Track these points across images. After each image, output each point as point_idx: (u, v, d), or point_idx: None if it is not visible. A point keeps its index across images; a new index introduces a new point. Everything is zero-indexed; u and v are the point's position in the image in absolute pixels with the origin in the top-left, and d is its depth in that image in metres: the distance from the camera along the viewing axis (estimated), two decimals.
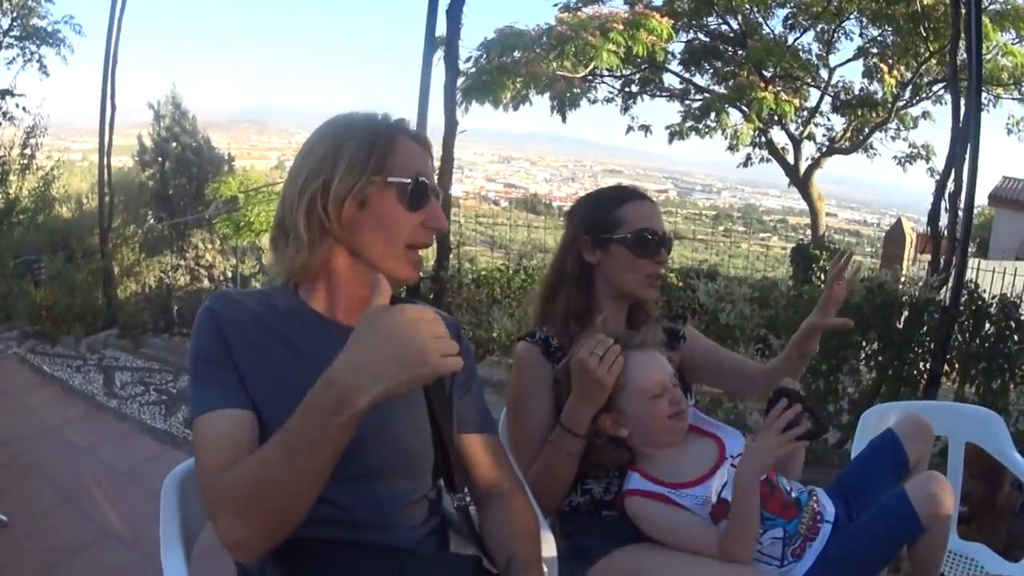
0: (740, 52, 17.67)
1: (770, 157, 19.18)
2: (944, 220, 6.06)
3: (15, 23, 14.31)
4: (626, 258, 2.45)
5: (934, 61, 15.62)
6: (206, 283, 18.44)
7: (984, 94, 6.09)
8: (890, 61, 16.41)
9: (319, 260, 1.72)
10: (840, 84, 18.44)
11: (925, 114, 17.98)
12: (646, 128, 19.72)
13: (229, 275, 18.63)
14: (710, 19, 18.03)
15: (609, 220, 2.48)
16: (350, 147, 1.69)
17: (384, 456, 1.73)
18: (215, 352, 1.67)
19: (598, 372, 2.08)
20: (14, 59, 14.46)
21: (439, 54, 6.70)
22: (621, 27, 14.69)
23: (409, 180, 1.70)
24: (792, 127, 18.57)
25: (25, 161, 13.03)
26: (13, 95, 13.90)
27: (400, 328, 1.38)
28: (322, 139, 1.74)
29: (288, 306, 1.79)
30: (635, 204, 2.50)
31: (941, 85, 16.38)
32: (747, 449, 2.14)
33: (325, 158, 1.69)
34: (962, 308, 5.36)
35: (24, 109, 13.77)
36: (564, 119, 16.59)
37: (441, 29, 6.43)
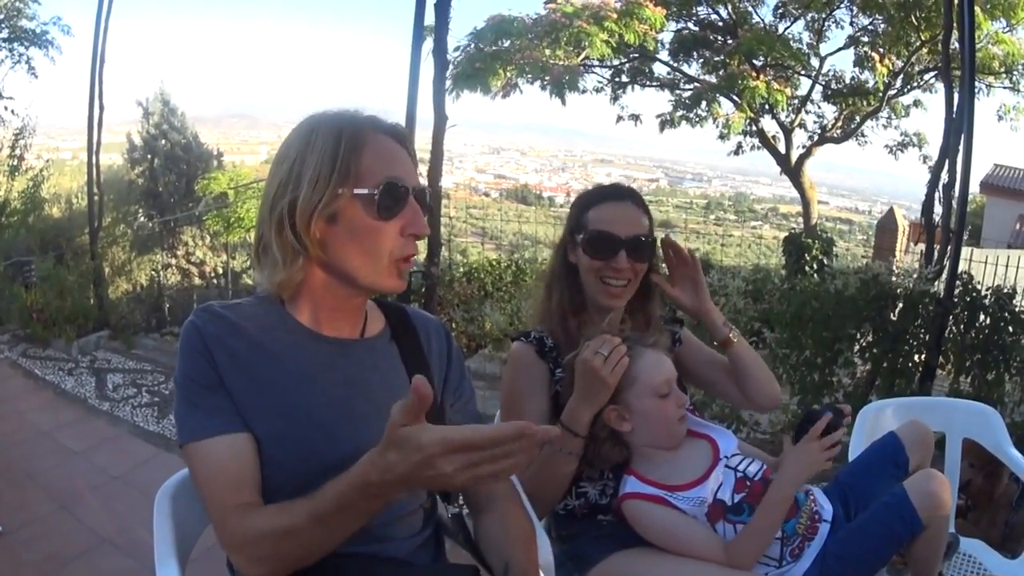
0: (730, 41, 17.68)
1: (761, 145, 19.20)
2: (938, 211, 6.05)
3: (2, 25, 14.22)
4: (585, 261, 2.44)
5: (925, 50, 15.66)
6: (197, 280, 18.44)
7: (976, 83, 6.08)
8: (881, 50, 16.44)
9: (296, 278, 1.69)
10: (831, 73, 18.50)
11: (916, 103, 18.03)
12: (636, 117, 19.75)
13: (220, 271, 18.63)
14: (700, 8, 18.05)
15: (580, 221, 2.48)
16: (313, 159, 1.63)
17: None
18: (204, 373, 1.64)
19: (602, 372, 2.07)
20: (2, 61, 14.39)
21: (428, 46, 6.68)
22: (615, 16, 14.70)
23: (377, 189, 1.63)
24: (783, 116, 18.58)
25: (14, 163, 12.98)
26: (1, 97, 13.87)
27: (434, 463, 1.30)
28: (288, 149, 1.69)
29: (274, 320, 1.76)
30: (603, 206, 2.48)
31: (932, 73, 16.42)
32: (788, 462, 2.14)
33: (291, 172, 1.65)
34: (956, 300, 5.35)
35: (12, 112, 13.74)
36: (564, 102, 16.55)
37: (429, 21, 6.41)
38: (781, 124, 18.85)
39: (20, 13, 14.26)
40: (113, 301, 10.70)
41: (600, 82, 19.32)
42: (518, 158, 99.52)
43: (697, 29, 18.42)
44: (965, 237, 5.79)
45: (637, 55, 17.89)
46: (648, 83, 19.44)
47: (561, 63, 15.42)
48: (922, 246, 6.48)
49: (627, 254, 2.38)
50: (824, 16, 17.29)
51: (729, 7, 17.63)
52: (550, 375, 2.41)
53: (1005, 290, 5.30)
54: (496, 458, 1.28)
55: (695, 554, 2.08)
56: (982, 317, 5.31)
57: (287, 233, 1.63)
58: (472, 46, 15.43)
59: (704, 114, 18.17)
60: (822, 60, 18.09)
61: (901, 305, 5.42)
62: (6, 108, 13.82)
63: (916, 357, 5.48)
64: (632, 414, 2.18)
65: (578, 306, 2.48)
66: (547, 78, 15.86)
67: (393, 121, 1.77)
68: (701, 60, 18.80)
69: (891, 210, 14.22)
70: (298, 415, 1.66)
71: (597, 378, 2.09)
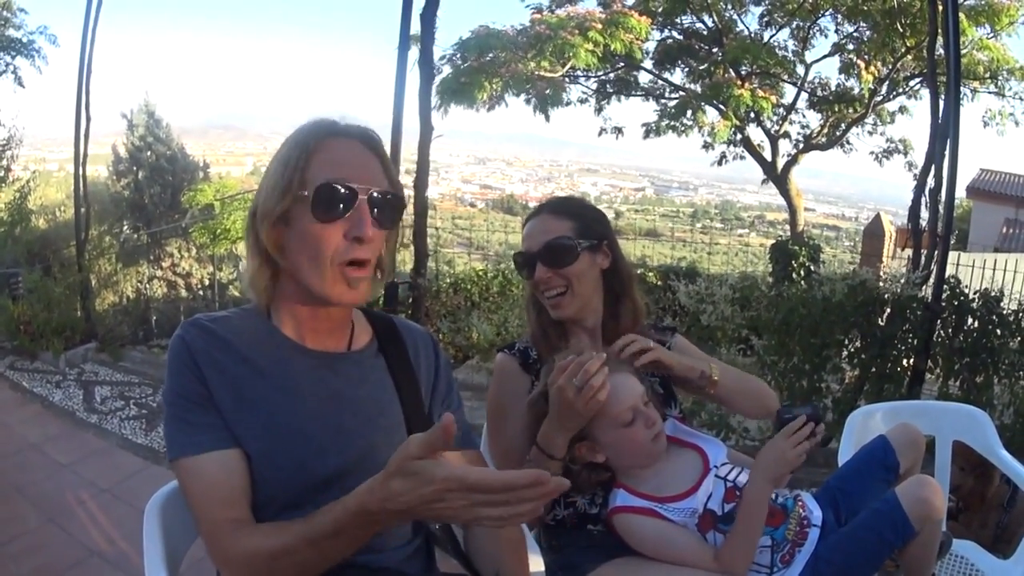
0: (715, 50, 17.71)
1: (744, 155, 19.25)
2: (925, 216, 6.08)
3: None
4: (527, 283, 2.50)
5: (910, 56, 15.72)
6: (184, 292, 18.38)
7: (961, 88, 6.07)
8: (866, 57, 16.49)
9: (262, 283, 1.72)
10: (816, 80, 18.53)
11: (902, 109, 18.09)
12: (618, 130, 19.77)
13: (207, 283, 18.57)
14: (684, 17, 18.05)
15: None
16: (275, 166, 1.67)
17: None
18: (193, 389, 1.65)
19: (576, 405, 2.04)
20: None
21: (414, 57, 6.68)
22: (600, 26, 14.72)
23: (311, 192, 1.63)
24: (768, 124, 18.61)
25: (1, 174, 12.91)
26: None
27: (444, 498, 1.29)
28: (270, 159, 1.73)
29: (261, 334, 1.76)
30: (527, 223, 2.53)
31: (918, 80, 16.48)
32: (761, 461, 2.13)
33: (262, 181, 1.71)
34: (944, 304, 5.36)
35: None
36: (547, 118, 16.58)
37: (415, 30, 6.42)
38: (767, 132, 18.88)
39: (7, 23, 14.21)
40: (100, 313, 10.65)
41: (585, 93, 19.36)
42: (504, 168, 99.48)
43: (682, 38, 18.44)
44: (952, 241, 5.80)
45: (623, 64, 17.89)
46: (633, 93, 19.46)
47: (546, 73, 15.41)
48: (909, 251, 6.49)
49: (544, 264, 2.40)
50: (809, 24, 17.32)
51: (714, 16, 17.64)
52: (532, 387, 2.39)
53: (992, 293, 5.31)
54: (507, 503, 1.26)
55: (687, 564, 2.07)
56: (970, 320, 5.33)
57: (253, 238, 1.68)
58: (458, 56, 15.42)
59: (689, 123, 18.21)
60: (807, 67, 18.14)
61: (889, 310, 5.42)
62: None
63: (905, 362, 5.48)
64: (602, 446, 2.17)
65: (552, 322, 2.49)
66: (531, 92, 15.86)
67: (362, 125, 1.76)
68: (686, 69, 18.84)
69: (878, 216, 14.29)
70: (286, 431, 1.66)
71: (572, 410, 2.06)
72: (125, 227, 19.25)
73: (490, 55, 15.28)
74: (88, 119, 8.13)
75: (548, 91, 16.23)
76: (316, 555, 1.45)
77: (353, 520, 1.39)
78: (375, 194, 1.67)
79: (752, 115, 17.43)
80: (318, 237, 1.63)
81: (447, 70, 15.30)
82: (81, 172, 8.34)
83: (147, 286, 16.58)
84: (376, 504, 1.34)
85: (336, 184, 1.63)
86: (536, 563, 2.01)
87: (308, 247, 1.64)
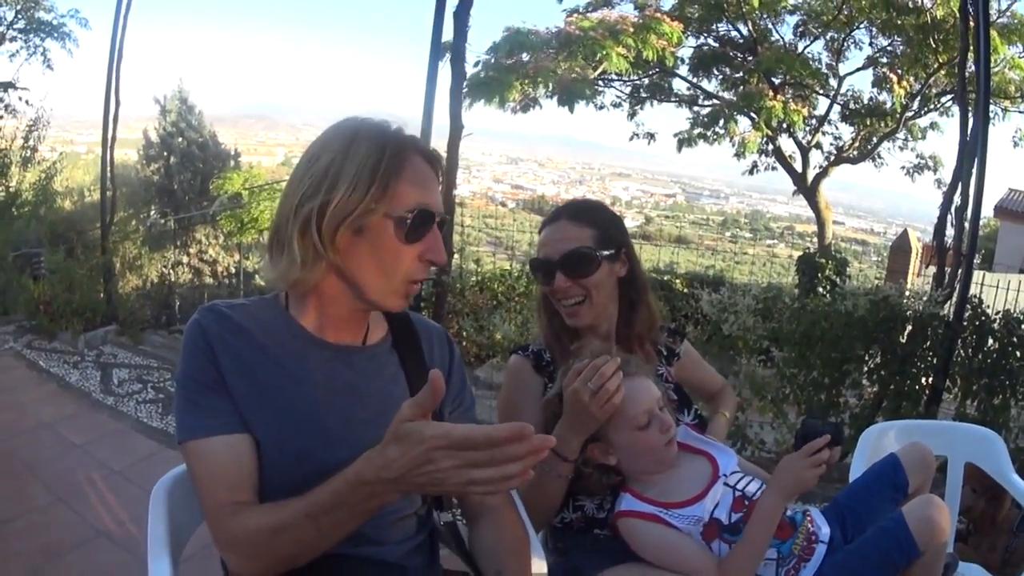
0: (750, 58, 17.67)
1: (776, 165, 19.21)
2: (950, 234, 6.03)
3: (19, 16, 14.29)
4: (541, 288, 2.50)
5: (943, 73, 15.65)
6: (209, 279, 18.45)
7: (991, 107, 6.03)
8: (899, 71, 16.42)
9: (312, 279, 1.69)
10: (849, 93, 18.52)
11: (933, 125, 18.07)
12: (650, 136, 19.76)
13: (232, 271, 18.65)
14: (720, 25, 18.04)
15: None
16: (352, 168, 1.63)
17: None
18: (206, 373, 1.66)
19: (591, 407, 2.04)
20: (17, 52, 14.47)
21: (446, 55, 6.67)
22: (632, 30, 14.68)
23: (410, 214, 1.65)
24: (800, 135, 18.56)
25: (27, 154, 12.98)
26: (16, 88, 13.90)
27: (433, 458, 1.30)
28: (325, 151, 1.67)
29: (279, 323, 1.77)
30: (542, 232, 2.50)
31: (949, 97, 16.40)
32: (777, 477, 2.11)
33: (326, 176, 1.64)
34: (965, 324, 5.32)
35: (27, 102, 13.75)
36: (571, 110, 16.47)
37: (448, 31, 6.40)
38: (798, 143, 18.86)
39: (37, 4, 14.33)
40: (122, 296, 10.67)
41: (619, 97, 19.35)
42: (536, 169, 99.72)
43: (717, 45, 18.45)
44: (978, 261, 5.76)
45: (657, 70, 17.88)
46: (667, 99, 19.45)
47: (575, 75, 15.36)
48: (935, 268, 6.45)
49: (563, 273, 2.37)
50: (843, 36, 17.31)
51: (749, 24, 17.62)
52: (545, 389, 2.39)
53: (1014, 315, 5.27)
54: (493, 462, 1.26)
55: (688, 572, 2.05)
56: (990, 341, 5.28)
57: (312, 234, 1.63)
58: (492, 60, 15.39)
59: (721, 132, 18.17)
60: (840, 80, 18.16)
61: (910, 327, 5.39)
62: (21, 99, 13.88)
63: (924, 380, 5.44)
64: (615, 448, 2.16)
65: (564, 326, 2.48)
66: (558, 87, 15.80)
67: (427, 144, 1.77)
68: (720, 77, 18.82)
69: (905, 232, 14.20)
70: (298, 420, 1.67)
71: (586, 412, 2.06)
72: (153, 212, 19.35)
73: (523, 56, 15.26)
74: (118, 103, 8.15)
75: (575, 85, 16.13)
76: (315, 531, 1.46)
77: (351, 491, 1.40)
78: (441, 217, 1.73)
79: (784, 126, 17.38)
80: (397, 255, 1.68)
81: (480, 72, 15.29)
82: (109, 156, 8.37)
83: (172, 271, 16.64)
84: (372, 473, 1.35)
85: (428, 209, 1.67)
86: (539, 566, 2.00)
87: (382, 260, 1.68)
